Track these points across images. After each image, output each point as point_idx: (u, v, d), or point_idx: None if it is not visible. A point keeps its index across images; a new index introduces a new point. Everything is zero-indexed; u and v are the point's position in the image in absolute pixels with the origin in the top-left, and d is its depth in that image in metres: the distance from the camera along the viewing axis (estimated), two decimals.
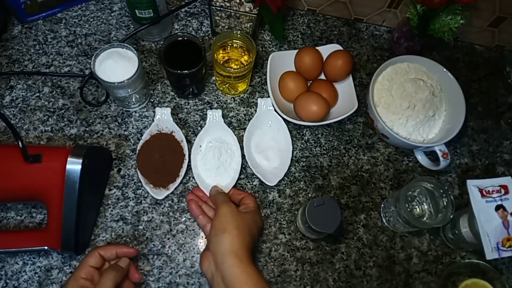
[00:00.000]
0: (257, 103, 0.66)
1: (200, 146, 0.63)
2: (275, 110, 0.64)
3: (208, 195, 0.60)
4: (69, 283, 0.48)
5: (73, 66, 0.69)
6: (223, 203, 0.54)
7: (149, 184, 0.60)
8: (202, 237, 0.59)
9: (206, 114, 0.65)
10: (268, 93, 0.64)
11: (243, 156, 0.62)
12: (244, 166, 0.63)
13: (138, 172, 0.60)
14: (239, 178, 0.62)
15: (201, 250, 0.58)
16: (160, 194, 0.59)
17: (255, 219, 0.55)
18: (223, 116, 0.65)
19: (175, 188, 0.60)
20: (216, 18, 0.69)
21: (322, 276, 0.58)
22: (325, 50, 0.68)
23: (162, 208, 0.60)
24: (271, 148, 0.64)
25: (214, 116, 0.64)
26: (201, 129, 0.64)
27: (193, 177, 0.62)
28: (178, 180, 0.60)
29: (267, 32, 0.75)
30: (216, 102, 0.68)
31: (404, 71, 0.66)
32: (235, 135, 0.63)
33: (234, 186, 0.61)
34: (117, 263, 0.51)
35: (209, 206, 0.59)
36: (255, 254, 0.59)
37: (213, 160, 0.61)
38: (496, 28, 0.74)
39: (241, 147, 0.63)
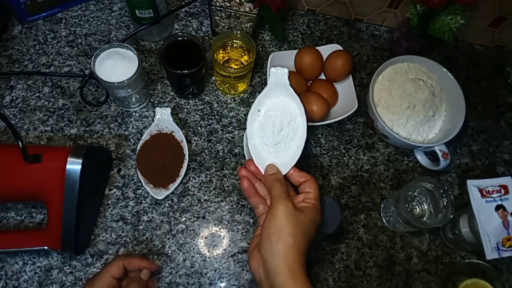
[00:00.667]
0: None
1: (259, 110, 0.52)
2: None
3: (262, 172, 0.51)
4: None
5: (73, 66, 0.69)
6: (279, 199, 0.45)
7: (149, 184, 0.60)
8: (203, 237, 0.59)
9: (268, 73, 0.53)
10: None
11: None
12: (243, 164, 0.63)
13: (138, 172, 0.60)
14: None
15: (201, 250, 0.58)
16: (160, 194, 0.59)
17: (314, 218, 0.46)
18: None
19: (175, 188, 0.60)
20: (216, 18, 0.69)
21: (322, 276, 0.58)
22: (325, 50, 0.68)
23: (162, 208, 0.60)
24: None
25: (279, 75, 0.51)
26: (260, 92, 0.53)
27: (193, 177, 0.62)
28: (178, 180, 0.60)
29: (267, 32, 0.75)
30: (216, 102, 0.68)
31: (404, 71, 0.66)
32: (301, 102, 0.51)
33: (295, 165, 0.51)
34: (140, 276, 0.52)
35: (262, 184, 0.51)
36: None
37: (272, 135, 0.51)
38: (496, 28, 0.74)
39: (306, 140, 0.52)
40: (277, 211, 0.45)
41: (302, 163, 0.65)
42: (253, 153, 0.51)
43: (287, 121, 0.51)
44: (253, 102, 0.68)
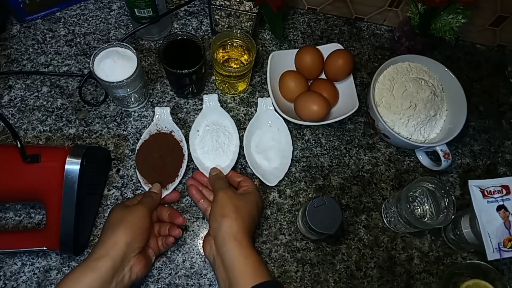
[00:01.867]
0: (257, 102, 0.65)
1: (198, 130, 0.63)
2: (275, 110, 0.64)
3: (208, 177, 0.60)
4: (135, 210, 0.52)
5: (72, 65, 0.68)
6: (220, 189, 0.54)
7: (148, 184, 0.59)
8: (202, 238, 0.59)
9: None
10: (268, 93, 0.64)
11: (241, 139, 0.63)
12: (244, 165, 0.63)
13: (137, 172, 0.60)
14: (237, 163, 0.63)
15: (201, 251, 0.58)
16: None
17: (254, 200, 0.55)
18: (219, 100, 0.64)
19: (174, 188, 0.60)
20: (216, 17, 0.68)
21: (323, 277, 0.58)
22: (326, 49, 0.68)
23: None
24: (271, 148, 0.63)
25: (211, 100, 0.64)
26: (198, 115, 0.64)
27: (193, 165, 0.62)
28: (177, 180, 0.60)
29: (267, 31, 0.74)
30: None
31: (405, 71, 0.66)
32: (231, 118, 0.63)
33: (233, 168, 0.61)
34: (151, 191, 0.57)
35: (209, 190, 0.59)
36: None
37: (211, 142, 0.61)
38: (497, 27, 0.74)
39: (241, 146, 0.62)
40: (218, 197, 0.53)
41: (303, 163, 0.65)
42: (197, 163, 0.61)
43: (222, 131, 0.62)
44: (253, 101, 0.68)
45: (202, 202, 0.57)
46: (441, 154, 0.61)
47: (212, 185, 0.57)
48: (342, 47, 0.68)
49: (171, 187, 0.59)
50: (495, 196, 0.56)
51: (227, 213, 0.50)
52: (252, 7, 0.65)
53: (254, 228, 0.53)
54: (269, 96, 0.64)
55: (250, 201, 0.54)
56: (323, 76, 0.70)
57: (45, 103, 0.65)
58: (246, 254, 0.47)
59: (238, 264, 0.47)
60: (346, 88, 0.67)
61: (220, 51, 0.65)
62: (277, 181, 0.61)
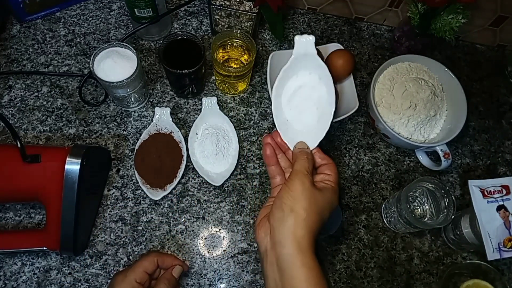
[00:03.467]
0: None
1: (197, 133, 0.63)
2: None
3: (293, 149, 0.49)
4: (121, 284, 0.47)
5: (72, 65, 0.68)
6: (299, 173, 0.44)
7: (146, 184, 0.59)
8: (202, 238, 0.59)
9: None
10: (268, 93, 0.64)
11: (239, 142, 0.62)
12: (242, 165, 0.63)
13: (136, 172, 0.60)
14: (238, 175, 0.62)
15: (201, 251, 0.58)
16: (156, 195, 0.59)
17: (331, 200, 0.45)
18: (219, 101, 0.64)
19: (173, 189, 0.60)
20: (216, 17, 0.68)
21: None
22: (326, 49, 0.67)
23: (162, 209, 0.60)
24: (307, 103, 0.50)
25: (209, 103, 0.64)
26: (197, 116, 0.64)
27: (193, 178, 0.62)
28: (175, 181, 0.60)
29: (267, 31, 0.74)
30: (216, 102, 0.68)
31: (405, 71, 0.66)
32: (230, 121, 0.64)
33: (233, 172, 0.61)
34: (171, 273, 0.51)
35: (285, 157, 0.50)
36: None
37: (211, 146, 0.61)
38: (497, 27, 0.74)
39: (238, 137, 0.63)
40: (294, 184, 0.43)
41: None
42: (196, 166, 0.60)
43: (222, 136, 0.62)
44: (253, 101, 0.68)
45: (273, 169, 0.49)
46: (441, 154, 0.61)
47: (294, 161, 0.46)
48: (342, 47, 0.68)
49: (169, 187, 0.59)
50: (495, 196, 0.56)
51: (297, 209, 0.42)
52: (252, 7, 0.65)
53: (318, 233, 0.44)
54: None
55: (326, 201, 0.44)
56: None
57: (45, 103, 0.65)
58: (309, 266, 0.40)
59: (299, 276, 0.40)
60: (346, 88, 0.67)
61: (220, 51, 0.65)
62: (315, 145, 0.49)
